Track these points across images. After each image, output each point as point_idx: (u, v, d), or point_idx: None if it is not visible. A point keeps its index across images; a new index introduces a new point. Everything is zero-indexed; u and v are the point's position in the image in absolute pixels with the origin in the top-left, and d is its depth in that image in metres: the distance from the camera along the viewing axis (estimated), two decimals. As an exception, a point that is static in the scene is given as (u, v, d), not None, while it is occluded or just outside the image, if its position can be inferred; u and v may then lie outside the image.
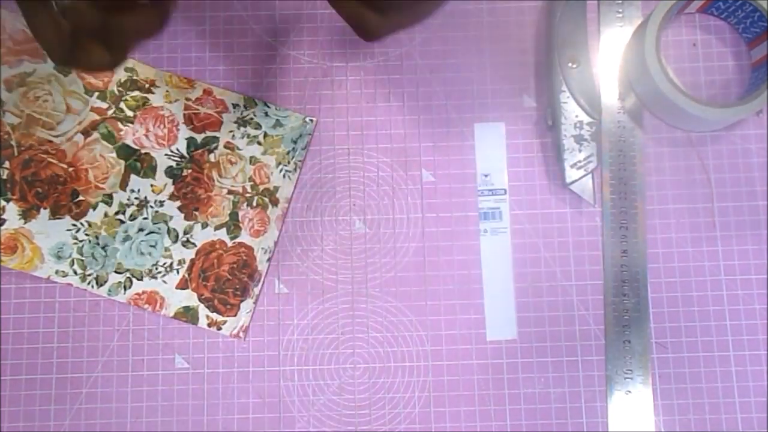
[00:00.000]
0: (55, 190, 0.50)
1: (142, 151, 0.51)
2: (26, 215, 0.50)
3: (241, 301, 0.49)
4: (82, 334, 0.49)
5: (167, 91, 0.51)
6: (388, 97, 0.52)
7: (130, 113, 0.51)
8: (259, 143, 0.51)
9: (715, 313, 0.49)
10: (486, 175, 0.51)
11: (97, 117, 0.51)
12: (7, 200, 0.50)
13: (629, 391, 0.48)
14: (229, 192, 0.51)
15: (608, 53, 0.51)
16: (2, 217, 0.50)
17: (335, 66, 0.52)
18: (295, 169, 0.51)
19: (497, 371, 0.49)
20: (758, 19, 0.49)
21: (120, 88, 0.51)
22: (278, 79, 0.52)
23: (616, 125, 0.51)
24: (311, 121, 0.51)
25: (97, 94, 0.51)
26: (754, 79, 0.50)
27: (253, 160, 0.51)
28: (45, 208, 0.50)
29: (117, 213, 0.50)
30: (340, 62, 0.52)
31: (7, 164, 0.51)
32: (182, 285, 0.50)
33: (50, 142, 0.51)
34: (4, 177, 0.50)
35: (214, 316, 0.49)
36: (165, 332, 0.49)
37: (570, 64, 0.50)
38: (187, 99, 0.51)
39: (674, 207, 0.50)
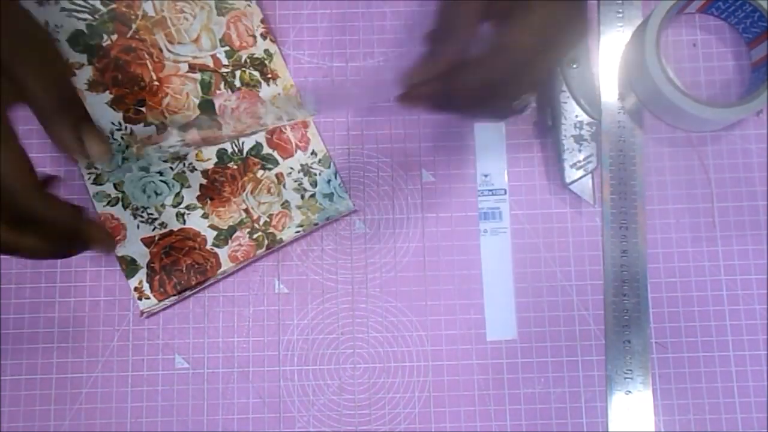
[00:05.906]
0: (131, 87, 0.50)
1: (219, 119, 0.50)
2: (91, 87, 0.50)
3: (174, 294, 0.49)
4: (82, 334, 0.49)
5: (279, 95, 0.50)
6: (388, 97, 0.52)
7: (237, 84, 0.51)
8: None
9: (715, 313, 0.49)
10: (486, 175, 0.51)
11: (210, 64, 0.51)
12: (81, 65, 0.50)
13: (629, 391, 0.48)
14: (245, 211, 0.50)
15: (608, 53, 0.51)
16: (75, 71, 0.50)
17: (335, 66, 0.52)
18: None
19: (497, 371, 0.49)
20: (758, 19, 0.49)
21: (247, 59, 0.51)
22: (278, 79, 0.52)
23: (616, 125, 0.51)
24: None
25: (227, 48, 0.51)
26: (754, 79, 0.50)
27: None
28: (111, 94, 0.50)
29: (157, 144, 0.49)
30: (340, 62, 0.52)
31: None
32: (148, 241, 0.49)
33: (160, 50, 0.50)
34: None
35: (145, 287, 0.49)
36: (165, 332, 0.49)
37: (570, 64, 0.50)
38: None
39: (674, 207, 0.50)
